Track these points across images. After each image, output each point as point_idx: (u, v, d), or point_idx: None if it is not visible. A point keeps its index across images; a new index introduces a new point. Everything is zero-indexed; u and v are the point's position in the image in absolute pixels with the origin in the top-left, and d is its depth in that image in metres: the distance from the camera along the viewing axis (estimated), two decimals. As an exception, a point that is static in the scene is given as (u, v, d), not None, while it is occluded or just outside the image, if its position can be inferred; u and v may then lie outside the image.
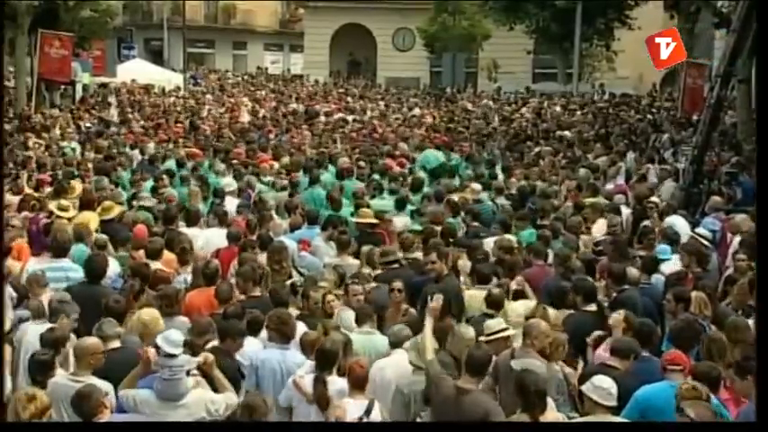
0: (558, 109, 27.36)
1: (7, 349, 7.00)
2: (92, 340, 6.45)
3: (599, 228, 11.30)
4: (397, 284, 8.25)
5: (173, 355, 5.92)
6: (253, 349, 6.98)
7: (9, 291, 7.93)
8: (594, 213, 11.78)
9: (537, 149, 18.92)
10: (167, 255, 9.31)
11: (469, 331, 6.88)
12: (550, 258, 9.55)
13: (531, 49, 38.27)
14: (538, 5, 31.78)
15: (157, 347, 6.01)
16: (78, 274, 8.61)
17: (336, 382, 6.42)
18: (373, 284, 8.69)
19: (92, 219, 10.21)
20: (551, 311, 7.84)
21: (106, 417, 5.70)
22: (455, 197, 12.54)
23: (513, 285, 8.65)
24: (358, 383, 6.26)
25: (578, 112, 26.23)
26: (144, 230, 10.00)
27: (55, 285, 8.25)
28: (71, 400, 5.79)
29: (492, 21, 35.57)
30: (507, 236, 10.37)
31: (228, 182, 13.14)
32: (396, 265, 9.25)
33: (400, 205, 12.25)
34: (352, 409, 6.13)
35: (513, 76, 39.14)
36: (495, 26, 35.92)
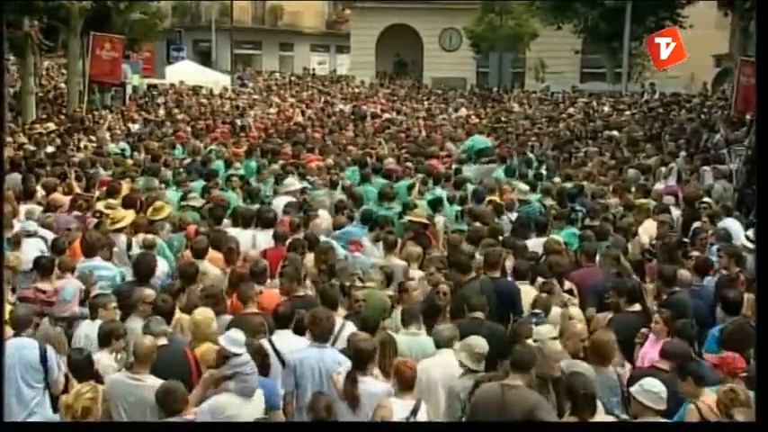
0: (606, 109, 27.02)
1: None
2: (149, 340, 6.52)
3: (647, 229, 11.11)
4: (443, 287, 8.19)
5: (237, 354, 6.09)
6: (294, 348, 6.99)
7: (75, 288, 8.03)
8: (641, 214, 11.60)
9: (585, 150, 18.70)
10: (213, 254, 9.36)
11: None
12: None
13: (579, 48, 37.88)
14: (586, 4, 31.41)
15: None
16: (110, 272, 8.74)
17: (368, 382, 6.37)
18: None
19: (127, 217, 10.31)
20: (599, 315, 7.74)
21: (190, 414, 5.73)
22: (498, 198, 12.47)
23: (566, 287, 8.55)
24: (405, 384, 6.23)
25: (627, 112, 25.86)
26: (193, 231, 10.09)
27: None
28: (156, 395, 5.87)
29: (539, 20, 35.26)
30: (554, 236, 10.27)
31: (290, 182, 13.19)
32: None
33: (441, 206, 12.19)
34: (398, 409, 6.09)
35: (561, 76, 38.77)
36: (542, 26, 35.60)
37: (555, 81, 37.45)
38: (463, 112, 27.25)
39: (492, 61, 34.11)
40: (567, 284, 8.71)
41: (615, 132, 20.95)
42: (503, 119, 24.97)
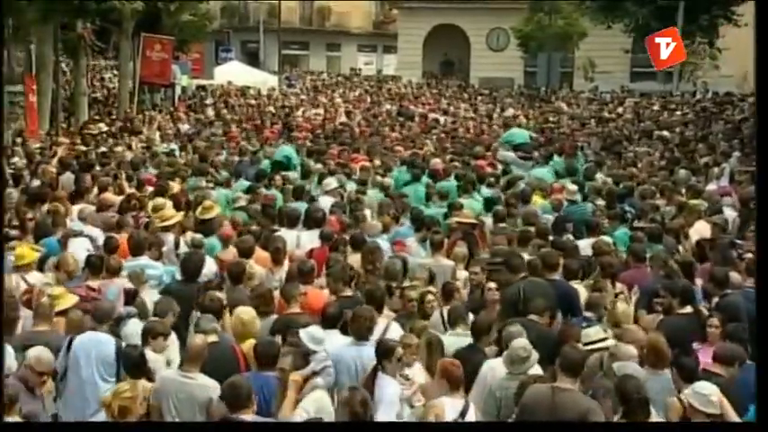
0: (656, 108, 26.62)
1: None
2: (200, 338, 6.58)
3: (698, 230, 10.89)
4: (492, 284, 8.11)
5: (315, 351, 6.22)
6: (334, 346, 7.00)
7: (119, 288, 8.18)
8: (692, 216, 11.38)
9: (635, 150, 18.43)
10: (261, 253, 9.40)
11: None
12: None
13: (628, 47, 37.37)
14: (638, 3, 30.91)
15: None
16: (157, 271, 8.81)
17: (385, 380, 6.33)
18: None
19: (175, 217, 10.39)
20: (648, 316, 7.62)
21: (250, 415, 5.73)
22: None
23: (617, 289, 8.43)
24: (453, 383, 6.18)
25: (678, 112, 25.45)
26: (231, 231, 10.14)
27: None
28: (222, 390, 5.90)
29: (589, 19, 34.85)
30: (603, 237, 10.14)
31: (329, 182, 13.23)
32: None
33: (488, 206, 12.14)
34: (449, 409, 6.06)
35: (610, 76, 38.30)
36: (592, 25, 35.19)
37: (604, 81, 37.01)
38: (510, 112, 27.05)
39: (540, 61, 33.81)
40: (619, 286, 8.57)
41: (666, 132, 20.62)
42: (551, 119, 24.74)
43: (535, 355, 6.51)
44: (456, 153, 17.35)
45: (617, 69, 39.82)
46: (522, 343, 6.53)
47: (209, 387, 6.25)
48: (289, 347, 6.48)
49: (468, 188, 12.91)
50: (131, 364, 6.47)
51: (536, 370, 6.57)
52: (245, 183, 13.58)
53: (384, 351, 6.43)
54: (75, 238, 9.76)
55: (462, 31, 45.83)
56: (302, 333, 6.45)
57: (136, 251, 9.14)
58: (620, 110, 26.94)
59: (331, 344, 6.99)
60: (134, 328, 7.46)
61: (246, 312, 7.26)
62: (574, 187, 13.05)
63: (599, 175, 14.86)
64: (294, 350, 6.33)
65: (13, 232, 9.50)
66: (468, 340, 7.27)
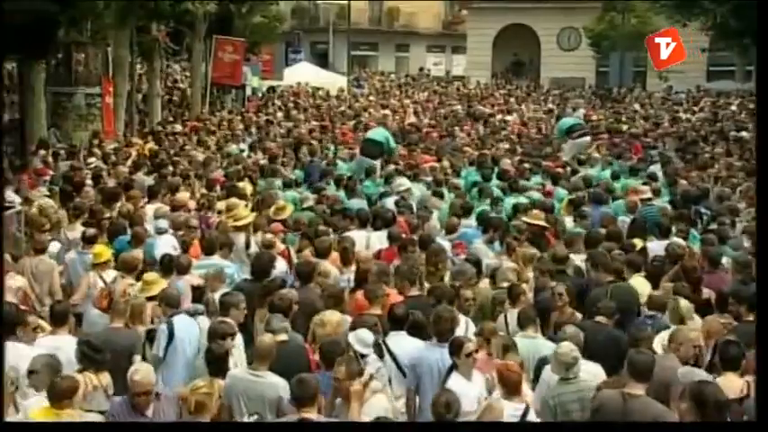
0: (734, 108, 25.88)
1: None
2: (269, 337, 6.60)
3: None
4: (560, 288, 8.02)
5: (365, 355, 6.22)
6: (413, 348, 6.97)
7: (185, 286, 8.28)
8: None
9: (711, 151, 17.95)
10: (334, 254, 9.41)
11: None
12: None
13: (705, 46, 36.44)
14: (715, 0, 30.16)
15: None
16: (229, 270, 8.86)
17: (455, 380, 6.32)
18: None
19: (249, 217, 10.48)
20: (716, 321, 7.41)
21: (315, 414, 5.76)
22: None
23: (704, 294, 8.23)
24: (511, 388, 6.10)
25: (757, 112, 24.67)
26: (279, 228, 10.22)
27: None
28: (291, 386, 5.93)
29: (664, 18, 34.09)
30: (677, 239, 9.89)
31: (401, 182, 13.21)
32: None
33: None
34: (509, 411, 5.98)
35: (685, 75, 37.34)
36: (667, 23, 34.40)
37: (679, 80, 36.10)
38: (581, 112, 26.64)
39: (612, 60, 33.25)
40: (706, 292, 8.32)
41: (744, 133, 20.03)
42: (623, 119, 24.29)
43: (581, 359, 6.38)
44: (526, 154, 17.18)
45: (692, 68, 38.77)
46: (569, 347, 6.39)
47: (278, 386, 6.26)
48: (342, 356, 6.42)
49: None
50: (215, 361, 6.49)
51: (596, 375, 6.45)
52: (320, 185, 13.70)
53: (454, 347, 6.41)
54: (161, 236, 9.93)
55: (533, 30, 45.36)
56: (350, 336, 6.43)
57: (209, 250, 9.24)
58: (695, 110, 26.28)
59: (398, 345, 7.00)
60: (202, 325, 7.52)
61: (330, 315, 7.24)
62: (646, 188, 12.81)
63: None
64: (348, 357, 6.28)
65: (91, 231, 9.70)
66: (539, 342, 7.18)
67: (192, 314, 7.65)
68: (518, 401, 6.08)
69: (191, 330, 7.37)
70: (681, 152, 18.47)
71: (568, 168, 15.44)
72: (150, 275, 8.20)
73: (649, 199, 12.36)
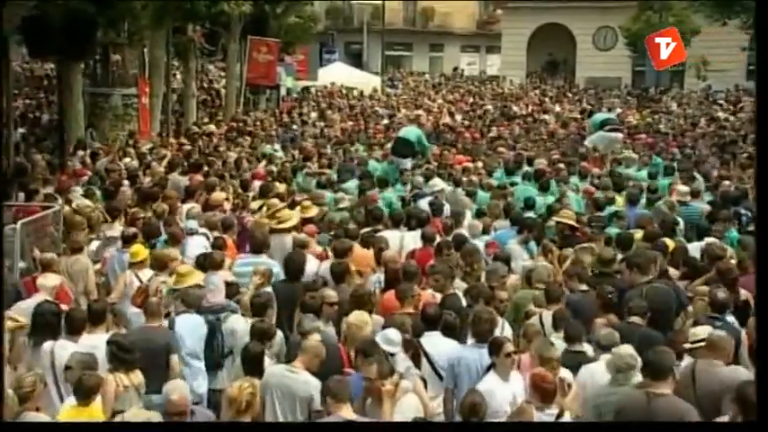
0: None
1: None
2: (319, 345, 6.53)
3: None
4: (607, 289, 7.94)
5: (393, 354, 6.17)
6: (449, 348, 6.96)
7: (218, 281, 8.32)
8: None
9: (750, 151, 17.70)
10: (361, 252, 9.39)
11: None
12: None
13: (745, 45, 35.91)
14: (756, -2, 29.67)
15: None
16: (276, 269, 8.84)
17: (490, 380, 6.29)
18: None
19: (294, 218, 10.50)
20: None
21: (350, 414, 5.73)
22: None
23: (742, 296, 8.09)
24: (545, 398, 5.97)
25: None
26: (313, 230, 10.19)
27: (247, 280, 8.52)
28: (328, 385, 5.88)
29: (703, 16, 33.66)
30: (713, 240, 9.75)
31: (435, 182, 13.18)
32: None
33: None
34: (542, 416, 5.91)
35: (724, 74, 36.87)
36: (705, 22, 33.96)
37: (717, 79, 35.65)
38: (617, 111, 26.40)
39: (649, 60, 32.85)
40: (744, 293, 8.18)
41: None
42: (660, 118, 24.02)
43: (640, 363, 6.27)
44: (561, 153, 17.05)
45: (732, 67, 38.29)
46: (628, 350, 6.28)
47: (310, 384, 6.25)
48: (372, 357, 6.39)
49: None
50: (252, 361, 6.48)
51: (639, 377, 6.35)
52: (354, 182, 13.68)
53: (494, 347, 6.40)
54: (192, 237, 9.99)
55: (568, 30, 45.03)
56: (378, 336, 6.41)
57: (257, 249, 9.24)
58: (734, 109, 25.91)
59: (432, 345, 6.97)
60: (235, 323, 7.58)
61: (356, 316, 7.22)
62: (685, 189, 12.65)
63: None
64: (378, 357, 6.25)
65: (130, 230, 9.78)
66: (578, 345, 7.06)
67: (220, 311, 7.66)
68: (553, 408, 5.99)
69: (194, 329, 7.38)
70: (719, 152, 18.20)
71: (606, 169, 15.30)
72: (184, 267, 8.22)
73: (688, 200, 12.22)
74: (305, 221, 10.63)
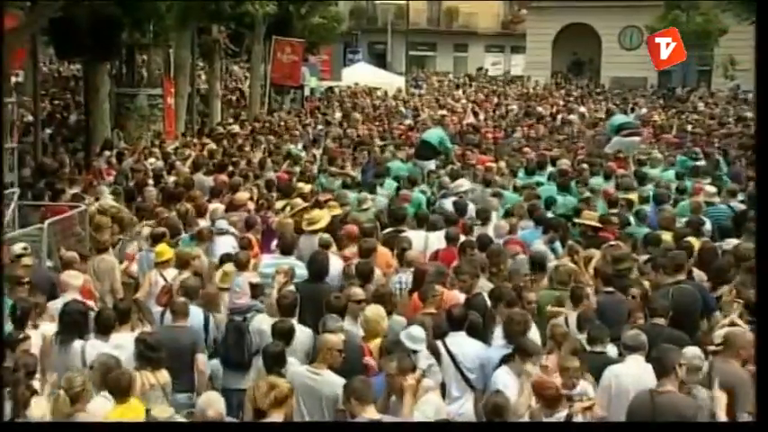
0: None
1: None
2: (333, 337, 6.56)
3: None
4: (634, 290, 7.91)
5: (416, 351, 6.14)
6: (475, 349, 6.95)
7: (243, 282, 8.34)
8: None
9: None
10: (382, 251, 9.37)
11: None
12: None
13: (774, 44, 35.48)
14: (785, -4, 29.32)
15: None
16: (302, 271, 8.83)
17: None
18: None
19: (324, 218, 10.51)
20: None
21: (374, 414, 5.72)
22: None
23: None
24: (549, 404, 5.94)
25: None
26: (354, 230, 10.13)
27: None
28: (352, 385, 5.85)
29: (731, 15, 33.30)
30: (743, 242, 9.64)
31: (460, 182, 13.16)
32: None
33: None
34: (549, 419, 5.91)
35: (753, 74, 36.46)
36: (734, 21, 33.60)
37: (746, 79, 35.22)
38: (643, 111, 26.21)
39: (676, 59, 32.59)
40: None
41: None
42: (687, 118, 23.81)
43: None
44: (587, 154, 16.95)
45: (761, 67, 37.88)
46: (696, 352, 6.28)
47: (335, 384, 6.23)
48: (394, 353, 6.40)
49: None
50: (273, 360, 6.47)
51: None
52: (392, 183, 13.70)
53: (524, 353, 6.37)
54: (220, 237, 10.02)
55: (593, 29, 44.80)
56: (402, 334, 6.39)
57: (287, 250, 9.22)
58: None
59: (458, 346, 6.95)
60: (260, 323, 7.58)
61: (371, 310, 7.26)
62: (712, 189, 12.53)
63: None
64: (399, 354, 6.25)
65: (158, 229, 9.84)
66: (600, 346, 7.00)
67: (246, 311, 7.67)
68: (559, 411, 5.95)
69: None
70: (747, 152, 17.98)
71: (631, 169, 15.18)
72: (228, 266, 8.38)
73: (716, 201, 12.11)
74: (341, 222, 10.62)
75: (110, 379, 5.93)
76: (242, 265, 8.62)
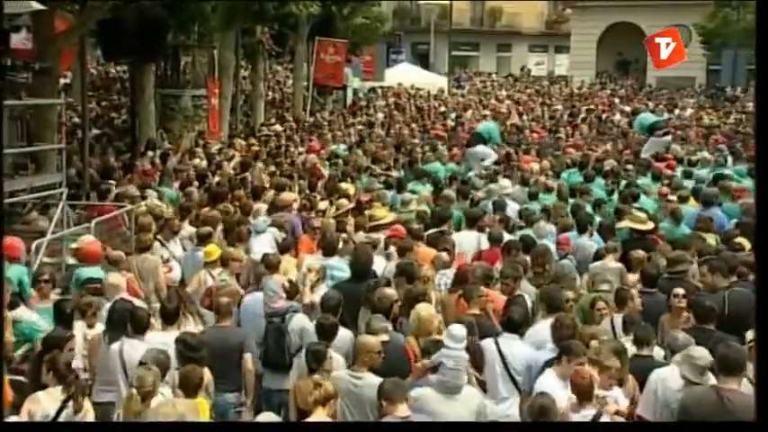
0: None
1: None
2: (371, 339, 6.54)
3: None
4: (680, 290, 7.79)
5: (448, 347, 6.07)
6: (525, 351, 6.94)
7: (275, 285, 8.35)
8: None
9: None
10: (425, 250, 9.34)
11: None
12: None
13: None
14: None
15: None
16: (344, 273, 8.81)
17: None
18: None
19: (388, 217, 10.50)
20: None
21: (404, 413, 5.72)
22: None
23: None
24: (582, 395, 5.90)
25: None
26: (402, 231, 10.09)
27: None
28: (385, 387, 5.89)
29: (784, 13, 32.61)
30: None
31: (505, 184, 13.07)
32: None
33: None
34: (576, 417, 5.85)
35: (803, 72, 35.72)
36: (785, 18, 32.92)
37: (798, 78, 34.55)
38: (689, 112, 25.81)
39: (725, 58, 32.14)
40: None
41: None
42: (738, 119, 23.38)
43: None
44: (633, 154, 16.74)
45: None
46: (701, 352, 6.15)
47: (376, 386, 6.19)
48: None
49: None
50: (316, 360, 6.46)
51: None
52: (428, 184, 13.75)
53: (569, 353, 6.32)
54: (258, 236, 10.05)
55: (639, 28, 44.18)
56: (444, 333, 6.35)
57: (329, 251, 9.21)
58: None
59: (508, 346, 6.94)
60: (301, 322, 7.58)
61: (424, 309, 7.21)
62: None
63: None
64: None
65: (205, 229, 9.90)
66: (647, 349, 6.89)
67: (284, 313, 7.67)
68: (589, 408, 5.88)
69: None
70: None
71: (679, 170, 14.94)
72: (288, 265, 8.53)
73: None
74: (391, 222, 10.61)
75: (181, 375, 5.98)
76: (272, 267, 8.54)
